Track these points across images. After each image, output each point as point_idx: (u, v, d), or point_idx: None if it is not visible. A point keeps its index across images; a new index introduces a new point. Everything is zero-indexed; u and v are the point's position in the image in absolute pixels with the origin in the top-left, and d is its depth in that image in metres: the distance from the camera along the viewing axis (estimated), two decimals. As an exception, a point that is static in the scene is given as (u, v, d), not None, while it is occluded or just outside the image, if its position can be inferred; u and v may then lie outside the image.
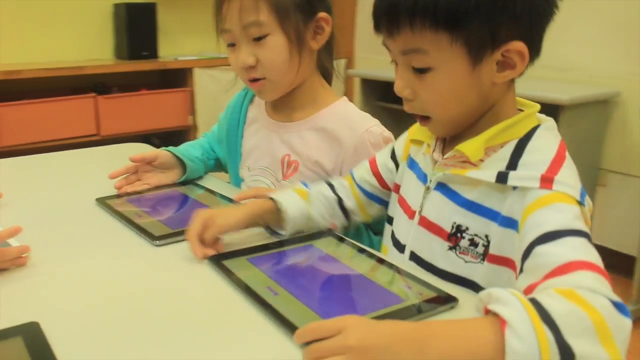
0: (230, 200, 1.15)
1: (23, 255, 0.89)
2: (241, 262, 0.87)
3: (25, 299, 0.79)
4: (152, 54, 3.35)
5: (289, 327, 0.69)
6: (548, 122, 0.83)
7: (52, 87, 3.12)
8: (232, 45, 1.15)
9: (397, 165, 1.02)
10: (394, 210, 0.98)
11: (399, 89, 0.84)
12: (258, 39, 1.11)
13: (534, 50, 0.79)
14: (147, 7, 3.33)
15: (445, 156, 0.86)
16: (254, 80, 1.16)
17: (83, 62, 3.23)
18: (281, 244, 0.95)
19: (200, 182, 1.30)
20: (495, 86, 0.81)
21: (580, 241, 0.69)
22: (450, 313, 0.75)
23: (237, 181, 1.30)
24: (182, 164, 1.27)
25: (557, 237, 0.70)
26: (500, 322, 0.59)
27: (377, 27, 0.83)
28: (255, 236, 0.98)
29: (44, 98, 2.97)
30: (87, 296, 0.80)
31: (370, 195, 1.05)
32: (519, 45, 0.77)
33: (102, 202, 1.15)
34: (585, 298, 0.61)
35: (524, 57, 0.78)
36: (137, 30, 3.31)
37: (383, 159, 1.05)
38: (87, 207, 1.14)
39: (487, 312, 0.62)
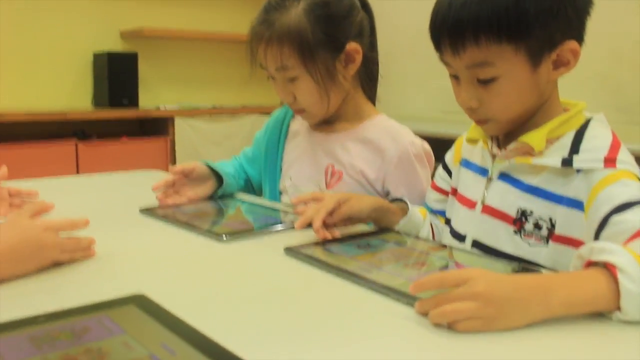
0: (275, 210, 1.19)
1: (91, 247, 0.90)
2: (319, 250, 0.90)
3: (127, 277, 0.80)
4: (133, 102, 3.38)
5: (402, 295, 0.71)
6: (599, 115, 0.92)
7: (34, 132, 3.09)
8: (272, 78, 1.23)
9: (449, 173, 1.09)
10: (452, 209, 1.05)
11: (465, 100, 0.90)
12: (291, 80, 1.19)
13: (582, 43, 0.88)
14: (129, 56, 3.38)
15: (508, 148, 0.92)
16: (297, 110, 1.25)
17: (63, 108, 3.22)
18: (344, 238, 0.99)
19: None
20: (549, 83, 0.90)
21: None
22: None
23: (274, 196, 1.34)
24: (216, 176, 1.30)
25: (630, 206, 0.77)
26: (610, 269, 0.64)
27: (439, 46, 0.89)
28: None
29: (26, 142, 2.94)
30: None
31: (442, 212, 1.10)
32: (572, 44, 0.86)
33: (148, 211, 1.17)
34: None
35: (576, 54, 0.87)
36: (118, 78, 3.34)
37: (438, 175, 1.13)
38: (133, 217, 1.16)
39: (588, 266, 0.68)
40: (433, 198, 1.12)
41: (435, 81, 0.99)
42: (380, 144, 1.21)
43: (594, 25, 2.45)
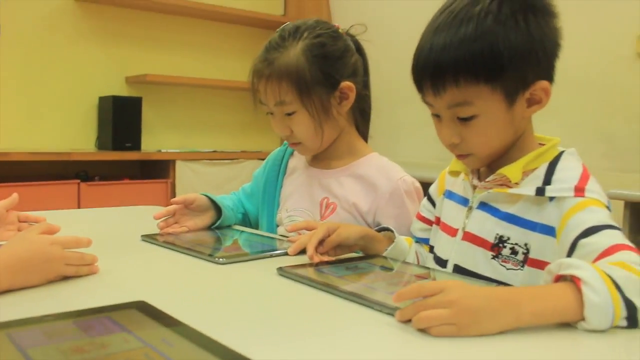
0: (271, 239, 1.25)
1: (95, 264, 0.95)
2: (311, 270, 0.96)
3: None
4: (135, 145, 3.46)
5: (384, 307, 0.77)
6: (571, 149, 0.99)
7: (37, 172, 3.17)
8: (270, 113, 1.31)
9: (433, 204, 1.16)
10: (435, 237, 1.11)
11: (446, 138, 0.97)
12: (288, 114, 1.28)
13: (552, 83, 0.96)
14: (133, 101, 3.49)
15: (487, 179, 0.99)
16: (293, 143, 1.34)
17: (68, 149, 3.31)
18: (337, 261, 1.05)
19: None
20: (523, 120, 0.97)
21: (617, 232, 0.83)
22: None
23: (271, 228, 1.40)
24: (216, 208, 1.36)
25: (597, 230, 0.84)
26: (575, 282, 0.70)
27: (421, 88, 0.96)
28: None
29: (29, 181, 3.01)
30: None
31: (426, 240, 1.17)
32: (543, 84, 0.94)
33: (149, 237, 1.23)
34: (634, 267, 0.74)
35: (548, 93, 0.95)
36: (121, 122, 3.43)
37: (422, 206, 1.20)
38: (135, 243, 1.21)
39: (557, 280, 0.74)
40: (418, 227, 1.18)
41: (428, 129, 1.06)
42: (373, 179, 1.28)
43: (586, 75, 2.60)
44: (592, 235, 0.83)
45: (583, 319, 0.69)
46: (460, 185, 1.07)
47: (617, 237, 0.83)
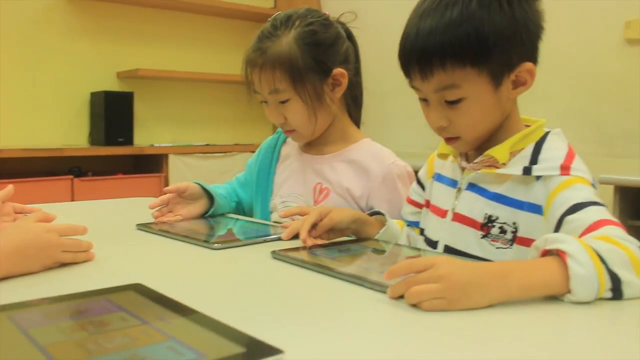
0: (265, 225, 1.27)
1: (91, 250, 0.97)
2: (304, 253, 0.98)
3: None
4: (128, 140, 3.47)
5: (376, 284, 0.79)
6: (556, 129, 1.01)
7: (31, 169, 3.17)
8: (264, 102, 1.33)
9: (423, 187, 1.18)
10: (425, 220, 1.13)
11: (435, 120, 0.99)
12: (282, 102, 1.29)
13: (536, 64, 0.98)
14: (124, 96, 3.49)
15: (475, 161, 1.01)
16: (288, 130, 1.35)
17: (60, 145, 3.31)
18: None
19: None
20: (509, 102, 0.99)
21: (602, 209, 0.85)
22: None
23: (265, 215, 1.42)
24: (208, 196, 1.38)
25: (582, 207, 0.86)
26: (561, 256, 0.72)
27: (408, 73, 0.98)
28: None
29: (23, 178, 3.02)
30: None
31: (416, 223, 1.19)
32: (528, 66, 0.96)
33: (144, 226, 1.24)
34: (618, 240, 0.76)
35: (532, 74, 0.97)
36: (114, 117, 3.44)
37: (412, 190, 1.22)
38: (130, 231, 1.23)
39: (544, 255, 0.76)
40: (408, 211, 1.20)
41: (418, 118, 1.07)
42: (366, 164, 1.30)
43: (574, 62, 2.62)
44: (578, 212, 0.86)
45: (569, 291, 0.71)
46: (449, 167, 1.09)
47: (602, 213, 0.85)
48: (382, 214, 1.15)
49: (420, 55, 0.94)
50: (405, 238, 1.16)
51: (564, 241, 0.74)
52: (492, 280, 0.72)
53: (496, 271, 0.73)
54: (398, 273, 0.75)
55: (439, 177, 1.12)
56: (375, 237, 1.11)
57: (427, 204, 1.14)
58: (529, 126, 1.02)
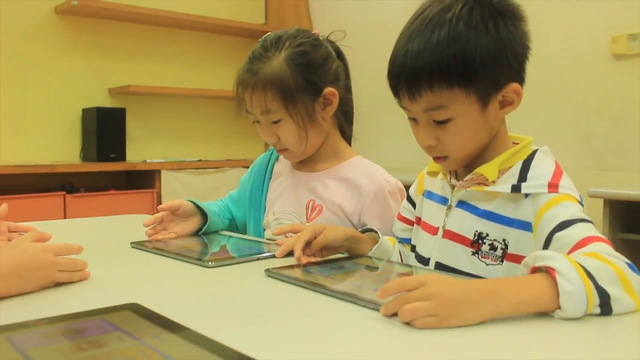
0: (258, 242, 1.28)
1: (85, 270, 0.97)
2: (298, 271, 0.99)
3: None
4: (120, 156, 3.47)
5: (369, 302, 0.80)
6: (544, 147, 1.03)
7: (22, 185, 3.17)
8: (257, 122, 1.35)
9: (413, 205, 1.20)
10: (416, 237, 1.15)
11: (424, 140, 1.00)
12: (274, 122, 1.31)
13: (523, 84, 1.00)
14: (116, 112, 3.50)
15: (465, 179, 1.03)
16: (280, 149, 1.37)
17: (52, 162, 3.31)
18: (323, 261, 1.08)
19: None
20: (497, 121, 1.01)
21: (589, 225, 0.87)
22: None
23: (258, 232, 1.43)
24: (202, 213, 1.39)
25: (571, 224, 0.88)
26: (550, 272, 0.74)
27: (397, 93, 0.99)
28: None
29: (15, 194, 3.02)
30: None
31: (407, 240, 1.20)
32: (514, 86, 0.98)
33: (138, 244, 1.25)
34: (606, 257, 0.77)
35: (519, 94, 0.99)
36: (106, 133, 3.44)
37: (403, 207, 1.23)
38: (124, 249, 1.24)
39: (534, 272, 0.77)
40: (399, 228, 1.22)
41: (407, 133, 1.09)
42: (358, 181, 1.32)
43: (563, 78, 2.65)
44: (566, 229, 0.87)
45: (559, 307, 0.73)
46: (439, 185, 1.11)
47: (590, 229, 0.87)
48: (375, 231, 1.16)
49: (408, 76, 0.95)
50: (397, 254, 1.17)
51: (552, 258, 0.75)
52: (482, 297, 0.73)
53: (487, 288, 0.75)
54: (391, 291, 0.76)
55: (429, 195, 1.14)
56: (369, 254, 1.12)
57: (418, 221, 1.16)
58: (517, 143, 1.04)
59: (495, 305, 0.73)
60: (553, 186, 0.94)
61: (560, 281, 0.73)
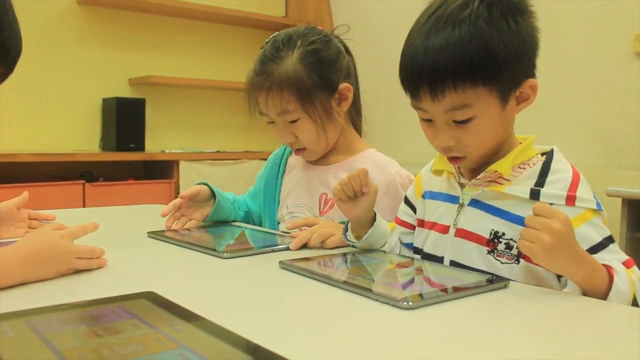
0: (273, 234, 1.29)
1: (103, 257, 0.99)
2: (311, 263, 1.00)
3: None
4: (139, 146, 3.51)
5: (383, 297, 0.80)
6: (554, 147, 1.03)
7: (43, 173, 3.22)
8: (272, 122, 1.35)
9: (412, 208, 1.18)
10: (420, 237, 1.13)
11: (443, 141, 0.98)
12: (292, 122, 1.31)
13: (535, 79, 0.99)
14: (136, 102, 3.53)
15: (478, 177, 1.03)
16: (298, 149, 1.38)
17: (72, 151, 3.35)
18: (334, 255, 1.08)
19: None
20: (512, 118, 1.01)
21: (617, 247, 0.94)
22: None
23: (273, 225, 1.45)
24: (216, 197, 1.40)
25: (603, 247, 0.93)
26: (608, 271, 0.85)
27: (417, 93, 0.96)
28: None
29: (35, 182, 3.06)
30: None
31: (410, 244, 1.19)
32: (532, 82, 0.98)
33: (155, 234, 1.27)
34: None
35: (535, 90, 0.99)
36: (125, 123, 3.48)
37: (401, 210, 1.21)
38: (141, 239, 1.25)
39: None
40: (399, 231, 1.19)
41: (415, 129, 1.08)
42: (370, 173, 1.31)
43: (584, 74, 2.64)
44: (600, 252, 0.92)
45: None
46: (442, 183, 1.10)
47: (619, 252, 0.93)
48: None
49: (430, 75, 0.92)
50: (395, 239, 1.16)
51: (610, 260, 0.87)
52: (577, 258, 0.84)
53: (583, 256, 0.85)
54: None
55: (431, 195, 1.13)
56: (363, 238, 1.09)
57: (421, 223, 1.14)
58: (520, 143, 1.04)
59: (574, 270, 0.84)
60: (570, 199, 0.95)
61: (616, 279, 0.84)
